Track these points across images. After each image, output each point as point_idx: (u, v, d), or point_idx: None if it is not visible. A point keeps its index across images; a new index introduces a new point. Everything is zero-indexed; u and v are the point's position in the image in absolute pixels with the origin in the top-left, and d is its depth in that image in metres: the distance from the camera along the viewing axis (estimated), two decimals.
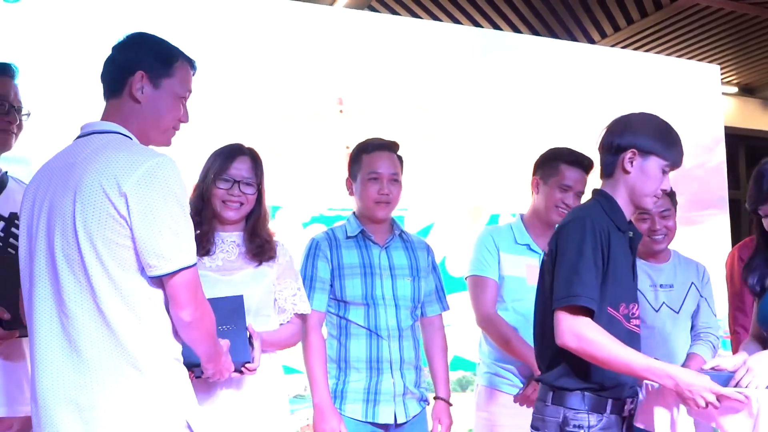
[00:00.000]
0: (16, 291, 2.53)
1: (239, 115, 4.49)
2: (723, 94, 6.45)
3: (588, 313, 2.39)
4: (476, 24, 6.19)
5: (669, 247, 3.70)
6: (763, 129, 8.22)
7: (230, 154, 2.89)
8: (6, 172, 2.90)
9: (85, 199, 2.03)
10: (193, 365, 2.36)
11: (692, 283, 3.67)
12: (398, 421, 3.12)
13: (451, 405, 3.29)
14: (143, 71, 2.19)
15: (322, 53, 4.78)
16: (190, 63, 2.33)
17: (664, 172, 2.59)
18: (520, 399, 3.37)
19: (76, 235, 2.03)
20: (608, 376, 2.46)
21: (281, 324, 2.93)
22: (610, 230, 2.51)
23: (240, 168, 2.87)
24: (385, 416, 3.10)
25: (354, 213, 3.29)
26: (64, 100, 4.00)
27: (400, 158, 3.29)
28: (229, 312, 2.63)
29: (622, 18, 6.15)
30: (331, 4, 5.57)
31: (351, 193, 3.28)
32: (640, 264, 3.62)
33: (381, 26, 5.07)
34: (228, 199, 2.84)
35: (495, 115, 5.21)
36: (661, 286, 3.62)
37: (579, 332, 2.37)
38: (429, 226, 4.82)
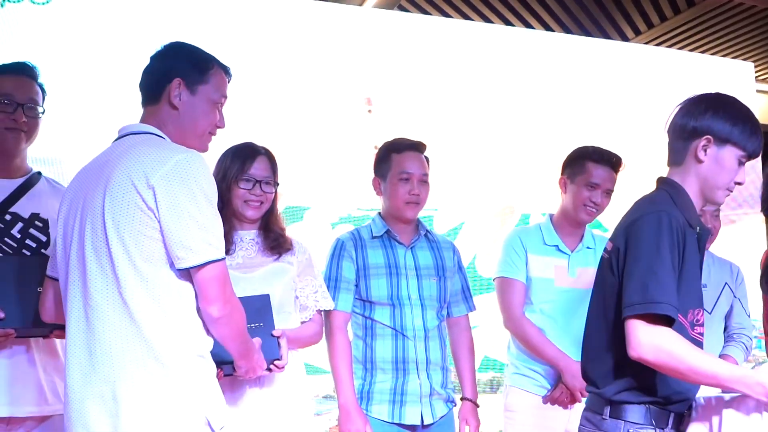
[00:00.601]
0: (24, 290, 2.57)
1: (268, 116, 4.49)
2: (758, 91, 6.34)
3: (666, 321, 2.13)
4: (507, 23, 6.14)
5: None
6: None
7: (249, 154, 2.93)
8: (39, 173, 2.93)
9: (114, 192, 2.08)
10: (223, 363, 2.39)
11: (726, 283, 3.64)
12: (425, 422, 3.10)
13: (478, 406, 3.27)
14: (180, 78, 2.26)
15: (350, 53, 4.77)
16: (225, 69, 2.39)
17: (741, 163, 2.31)
18: (549, 400, 3.34)
19: (105, 227, 2.08)
20: (675, 390, 2.26)
21: (303, 321, 2.97)
22: (684, 226, 2.25)
23: (260, 168, 2.91)
24: (411, 417, 3.08)
25: (379, 213, 3.28)
26: (94, 101, 4.02)
27: (427, 158, 3.28)
28: (257, 310, 2.67)
29: (655, 15, 6.08)
30: (360, 5, 5.55)
31: (378, 193, 3.28)
32: None
33: (410, 26, 5.03)
34: (250, 199, 2.89)
35: (526, 114, 5.16)
36: None
37: (658, 343, 2.10)
38: (459, 225, 4.79)
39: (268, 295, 2.73)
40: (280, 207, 4.36)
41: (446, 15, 5.98)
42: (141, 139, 2.20)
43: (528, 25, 6.17)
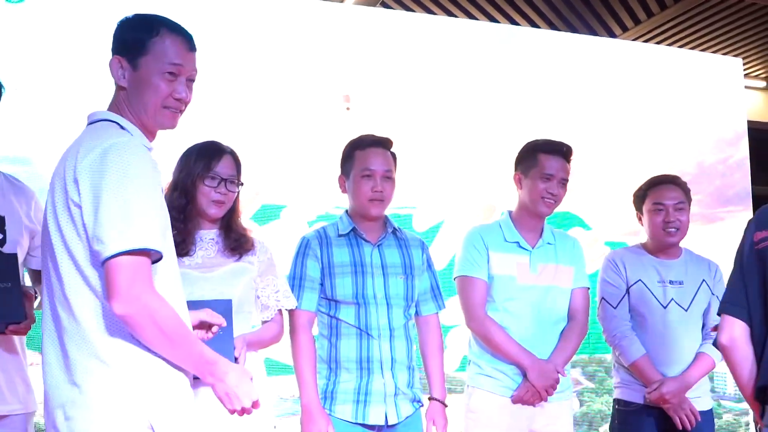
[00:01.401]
0: None
1: (246, 113, 4.48)
2: (751, 88, 6.30)
3: None
4: (493, 20, 6.11)
5: (681, 244, 3.65)
6: None
7: (214, 152, 2.91)
8: None
9: (55, 188, 2.01)
10: None
11: (703, 280, 3.62)
12: (389, 422, 3.05)
13: (446, 406, 3.22)
14: (118, 56, 2.11)
15: (330, 51, 4.75)
16: (179, 34, 2.16)
17: None
18: (515, 400, 3.30)
19: (47, 224, 2.01)
20: None
21: (264, 321, 2.97)
22: None
23: (225, 166, 2.90)
24: (375, 417, 3.04)
25: (346, 211, 3.24)
26: (67, 100, 4.00)
27: (393, 155, 3.24)
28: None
29: (641, 11, 6.04)
30: (342, 1, 5.52)
31: (344, 191, 3.24)
32: (650, 260, 3.59)
33: (390, 23, 5.01)
34: (214, 197, 2.86)
35: (508, 111, 5.14)
36: (670, 282, 3.58)
37: None
38: (438, 224, 4.76)
39: (230, 301, 2.68)
40: (257, 205, 4.39)
41: (431, 12, 5.95)
42: (92, 128, 2.08)
43: (514, 23, 6.14)
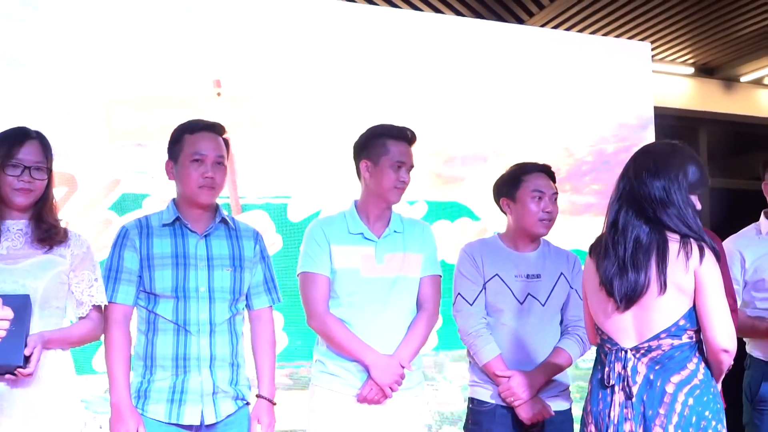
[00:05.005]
0: None
1: (114, 97, 4.36)
2: (654, 72, 6.16)
3: None
4: (394, 6, 5.92)
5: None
6: (723, 111, 7.89)
7: (17, 138, 2.79)
8: None
9: None
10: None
11: (561, 273, 3.49)
12: (207, 422, 2.91)
13: (274, 404, 3.09)
14: None
15: (204, 36, 4.60)
16: None
17: None
18: (360, 399, 3.17)
19: None
20: None
21: (80, 317, 2.84)
22: None
23: (29, 152, 2.78)
24: (190, 417, 2.89)
25: (174, 199, 3.09)
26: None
27: (226, 142, 3.10)
28: (13, 311, 2.48)
29: None
30: None
31: (171, 177, 3.08)
32: (508, 253, 3.46)
33: (274, 8, 4.85)
34: (18, 186, 2.74)
35: (397, 99, 5.02)
36: (527, 276, 3.44)
37: None
38: (315, 213, 4.60)
39: (27, 296, 2.60)
40: (117, 194, 4.23)
41: None
42: None
43: (416, 9, 5.94)
